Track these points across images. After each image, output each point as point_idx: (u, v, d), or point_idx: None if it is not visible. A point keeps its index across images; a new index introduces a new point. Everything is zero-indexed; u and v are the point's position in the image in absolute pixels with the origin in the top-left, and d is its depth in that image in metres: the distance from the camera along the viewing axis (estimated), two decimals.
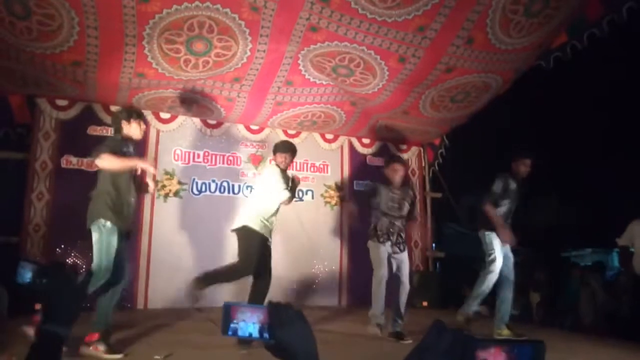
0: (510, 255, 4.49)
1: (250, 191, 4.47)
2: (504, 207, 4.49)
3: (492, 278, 4.36)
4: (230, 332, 0.99)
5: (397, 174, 4.56)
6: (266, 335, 0.96)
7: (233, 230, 4.19)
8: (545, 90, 8.11)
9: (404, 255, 4.47)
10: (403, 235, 4.56)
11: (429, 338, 0.89)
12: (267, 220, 4.16)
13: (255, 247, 4.06)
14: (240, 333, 0.98)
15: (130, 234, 3.77)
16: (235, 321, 0.99)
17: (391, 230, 4.47)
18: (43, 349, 1.36)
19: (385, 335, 4.27)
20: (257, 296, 4.05)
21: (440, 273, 7.29)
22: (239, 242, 4.11)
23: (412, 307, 6.47)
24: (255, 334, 0.98)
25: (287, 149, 4.33)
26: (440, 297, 6.64)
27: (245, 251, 4.05)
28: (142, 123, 3.80)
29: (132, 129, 3.71)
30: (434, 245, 7.37)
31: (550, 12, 4.31)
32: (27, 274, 1.77)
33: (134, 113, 3.84)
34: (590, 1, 4.30)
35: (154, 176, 3.93)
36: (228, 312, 1.00)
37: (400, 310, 4.33)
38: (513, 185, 4.50)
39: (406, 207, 4.58)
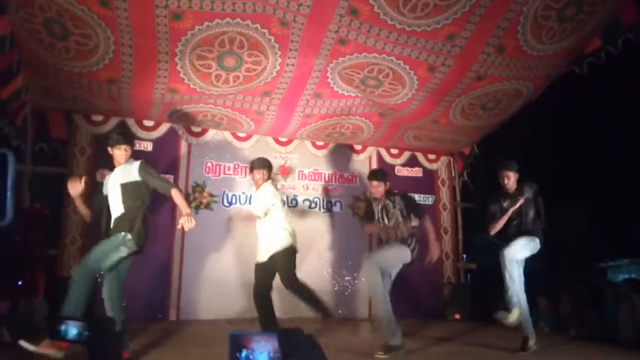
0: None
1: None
2: (514, 220, 4.45)
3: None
4: None
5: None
6: None
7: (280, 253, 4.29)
8: (579, 96, 7.92)
9: None
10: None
11: None
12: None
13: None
14: None
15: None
16: (247, 350, 0.98)
17: None
18: None
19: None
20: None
21: (471, 285, 7.15)
22: (286, 260, 4.27)
23: (444, 320, 6.39)
24: None
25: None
26: (472, 309, 6.51)
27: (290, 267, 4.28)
28: (119, 149, 3.62)
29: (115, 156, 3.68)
30: (464, 256, 7.24)
31: (583, 17, 4.23)
32: (72, 331, 1.91)
33: (110, 139, 3.71)
34: (625, 5, 4.20)
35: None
36: (236, 342, 0.98)
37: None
38: (505, 202, 4.49)
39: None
